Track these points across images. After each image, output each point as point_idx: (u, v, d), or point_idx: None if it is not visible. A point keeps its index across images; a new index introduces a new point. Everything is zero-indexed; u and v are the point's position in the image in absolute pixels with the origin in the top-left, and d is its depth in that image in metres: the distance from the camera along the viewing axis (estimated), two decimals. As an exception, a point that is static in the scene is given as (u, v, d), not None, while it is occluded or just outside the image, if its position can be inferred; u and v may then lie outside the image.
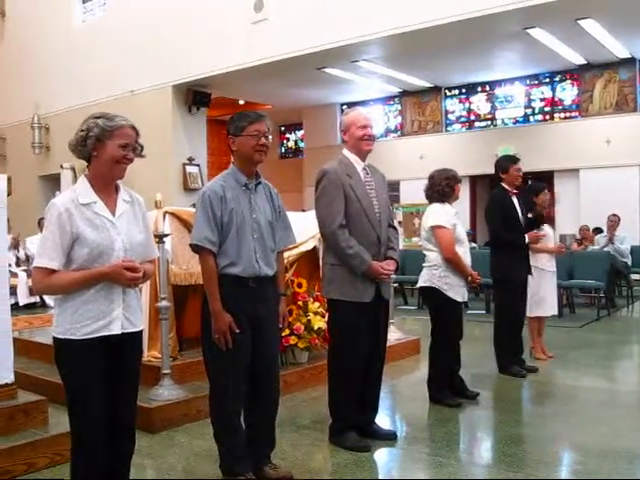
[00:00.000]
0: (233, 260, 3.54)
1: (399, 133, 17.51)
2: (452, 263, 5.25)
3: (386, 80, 15.05)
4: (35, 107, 15.15)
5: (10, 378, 4.19)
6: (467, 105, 16.59)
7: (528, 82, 15.64)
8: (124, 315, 2.93)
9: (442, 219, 5.29)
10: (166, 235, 4.99)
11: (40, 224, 11.54)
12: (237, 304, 3.52)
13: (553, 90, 15.34)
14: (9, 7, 16.27)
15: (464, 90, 16.56)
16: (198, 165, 13.18)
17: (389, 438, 4.47)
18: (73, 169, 9.44)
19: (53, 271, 2.80)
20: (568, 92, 15.16)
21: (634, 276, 12.28)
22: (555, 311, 7.16)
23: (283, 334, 5.38)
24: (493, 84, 16.06)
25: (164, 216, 5.46)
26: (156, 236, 4.51)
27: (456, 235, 5.33)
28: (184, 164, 12.91)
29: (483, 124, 16.42)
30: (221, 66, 11.84)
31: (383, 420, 4.86)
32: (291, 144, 20.81)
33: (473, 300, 10.81)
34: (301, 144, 20.06)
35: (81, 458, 2.92)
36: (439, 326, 5.37)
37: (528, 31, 10.79)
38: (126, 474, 3.11)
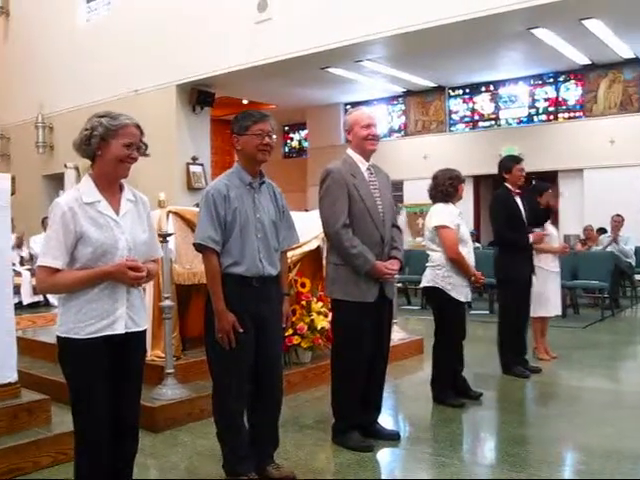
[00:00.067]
0: (237, 259, 3.54)
1: (403, 133, 17.49)
2: (456, 263, 5.24)
3: (390, 80, 15.04)
4: (39, 106, 15.16)
5: (14, 377, 4.20)
6: (471, 105, 16.57)
7: (532, 82, 15.60)
8: (128, 314, 2.93)
9: (446, 219, 5.29)
10: (170, 234, 4.99)
11: (44, 223, 11.57)
12: (240, 304, 3.52)
13: (557, 90, 15.31)
14: (13, 7, 16.29)
15: (468, 90, 16.53)
16: (202, 164, 13.17)
17: (392, 438, 4.46)
18: (77, 168, 9.44)
19: (57, 270, 2.80)
20: (572, 92, 15.12)
21: (638, 276, 12.26)
22: (559, 311, 7.16)
23: (286, 334, 5.38)
24: (497, 84, 16.03)
25: (168, 215, 5.46)
26: (160, 235, 4.51)
27: (460, 235, 5.32)
28: (188, 163, 12.91)
29: (487, 124, 16.40)
30: (225, 66, 11.84)
31: (386, 420, 4.86)
32: (295, 144, 20.81)
33: (477, 300, 10.79)
34: (305, 144, 20.05)
35: (85, 457, 2.92)
36: (442, 326, 5.37)
37: (532, 31, 10.77)
38: (129, 473, 3.11)
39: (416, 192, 14.22)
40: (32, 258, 11.70)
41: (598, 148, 14.06)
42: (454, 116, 16.76)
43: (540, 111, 15.61)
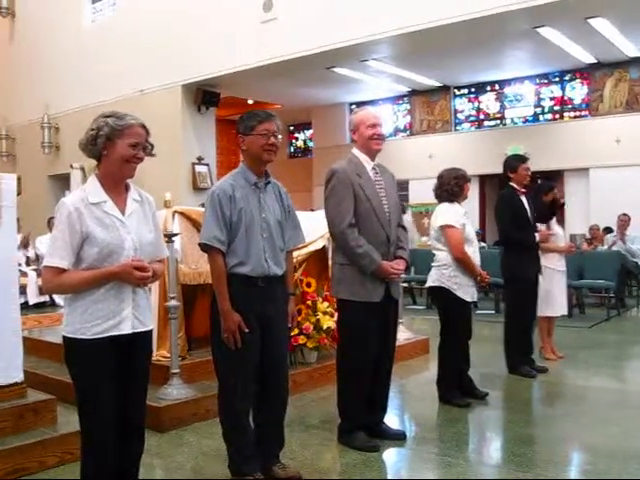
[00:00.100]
0: (242, 259, 3.54)
1: (408, 132, 17.47)
2: (461, 263, 5.24)
3: (395, 79, 15.02)
4: (45, 107, 15.18)
5: (20, 377, 4.21)
6: (476, 104, 16.53)
7: (538, 81, 15.57)
8: (134, 315, 2.93)
9: (451, 218, 5.28)
10: (175, 234, 5.00)
11: (50, 223, 11.57)
12: (246, 303, 3.52)
13: (563, 89, 15.27)
14: (19, 8, 16.31)
15: (473, 89, 16.50)
16: (207, 164, 13.18)
17: (398, 438, 4.46)
18: (83, 169, 9.46)
19: (63, 270, 2.81)
20: (578, 91, 15.08)
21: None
22: (565, 311, 7.14)
23: (292, 334, 5.38)
24: (502, 83, 15.99)
25: (173, 215, 5.46)
26: (165, 235, 4.52)
27: (465, 235, 5.31)
28: (193, 163, 12.92)
29: (492, 123, 16.36)
30: (230, 66, 11.84)
31: (392, 420, 4.86)
32: (300, 143, 20.80)
33: (482, 300, 10.78)
34: (310, 143, 20.04)
35: (91, 457, 2.93)
36: (448, 326, 5.36)
37: (538, 30, 10.75)
38: (135, 474, 3.12)
39: (421, 191, 14.22)
40: (38, 258, 11.71)
41: (604, 147, 14.02)
42: (459, 115, 16.73)
43: (546, 110, 15.57)
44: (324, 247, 6.32)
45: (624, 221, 12.06)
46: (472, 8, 9.07)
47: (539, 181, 8.40)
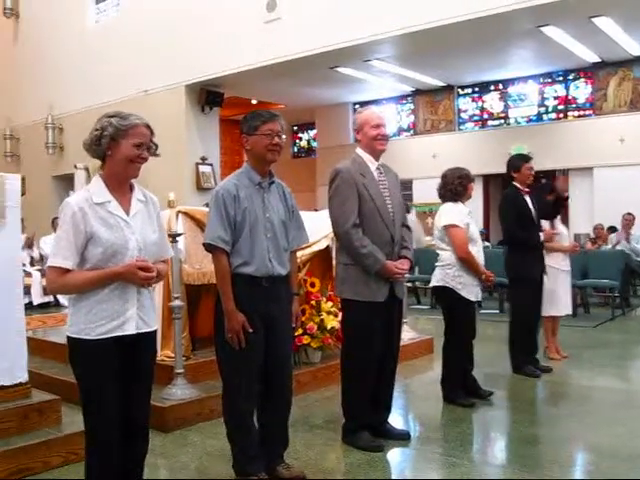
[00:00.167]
0: (246, 259, 3.54)
1: (412, 132, 17.45)
2: (465, 262, 5.23)
3: (399, 79, 15.01)
4: (49, 108, 15.20)
5: (24, 377, 4.21)
6: (480, 104, 16.51)
7: (541, 80, 15.54)
8: (138, 315, 2.93)
9: (455, 218, 5.28)
10: (179, 234, 5.00)
11: (54, 224, 11.61)
12: (250, 303, 3.52)
13: (567, 88, 15.24)
14: (23, 9, 16.33)
15: (477, 89, 16.48)
16: (211, 164, 13.18)
17: (402, 438, 4.46)
18: (87, 169, 9.44)
19: (67, 270, 2.81)
20: (582, 90, 15.06)
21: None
22: (569, 310, 7.12)
23: (296, 334, 5.38)
24: (506, 82, 15.97)
25: (177, 215, 5.47)
26: (169, 235, 4.52)
27: (469, 234, 5.31)
28: (197, 163, 12.92)
29: (496, 123, 16.34)
30: (234, 66, 11.84)
31: (396, 420, 4.85)
32: (304, 143, 20.80)
33: (486, 299, 10.76)
34: (314, 143, 20.04)
35: (95, 457, 2.93)
36: (452, 325, 5.36)
37: (541, 29, 10.73)
38: (140, 474, 3.12)
39: (425, 191, 14.19)
40: (42, 258, 11.74)
41: (608, 146, 13.99)
42: (463, 115, 16.71)
43: (550, 109, 15.55)
44: (328, 247, 6.32)
45: (629, 220, 12.04)
46: (476, 7, 9.06)
47: (543, 181, 8.39)
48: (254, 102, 16.23)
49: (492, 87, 16.26)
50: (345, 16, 10.34)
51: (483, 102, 16.47)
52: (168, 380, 4.90)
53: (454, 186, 5.37)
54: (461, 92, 16.69)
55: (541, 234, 6.28)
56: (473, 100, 16.62)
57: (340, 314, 4.89)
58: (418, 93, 16.91)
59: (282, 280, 3.66)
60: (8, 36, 16.64)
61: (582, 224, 14.00)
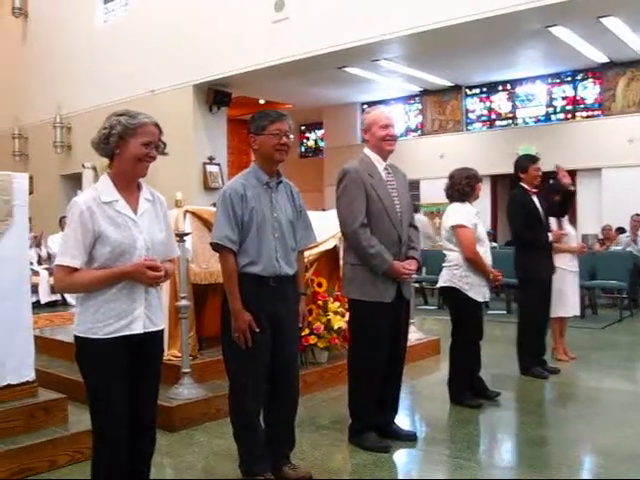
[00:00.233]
0: (253, 259, 3.53)
1: (420, 132, 17.41)
2: (473, 263, 5.21)
3: (406, 79, 14.98)
4: (57, 107, 15.24)
5: (31, 376, 4.22)
6: (488, 104, 16.46)
7: (550, 80, 15.48)
8: (146, 314, 2.93)
9: (463, 218, 5.26)
10: (186, 234, 5.00)
11: (61, 222, 11.64)
12: (257, 303, 3.52)
13: (575, 89, 15.18)
14: (32, 8, 16.39)
15: (485, 89, 16.43)
16: (218, 164, 13.18)
17: (409, 439, 4.45)
18: (94, 168, 9.46)
19: (75, 269, 2.81)
20: (590, 90, 14.99)
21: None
22: (577, 311, 7.10)
23: (303, 333, 5.37)
24: (514, 83, 15.91)
25: (184, 215, 5.47)
26: (176, 235, 4.52)
27: (477, 235, 5.29)
28: (204, 163, 12.93)
29: (504, 123, 16.29)
30: (242, 65, 11.84)
31: (403, 421, 4.84)
32: (311, 143, 20.78)
33: (494, 300, 10.71)
34: (321, 143, 20.03)
35: (103, 456, 2.93)
36: (459, 326, 5.34)
37: (550, 29, 10.69)
38: (146, 473, 3.11)
39: (433, 191, 14.17)
40: (50, 257, 11.78)
41: (617, 147, 13.92)
42: (471, 115, 16.67)
43: (558, 110, 15.48)
44: (335, 247, 6.31)
45: (637, 221, 11.99)
46: (484, 7, 9.04)
47: (551, 181, 8.36)
48: (262, 102, 16.24)
49: (500, 87, 16.21)
50: (353, 16, 10.33)
51: (491, 102, 16.42)
52: (175, 380, 4.90)
53: (462, 186, 5.36)
54: (469, 92, 16.64)
55: (549, 234, 6.26)
56: (481, 100, 16.57)
57: (347, 314, 4.89)
58: (426, 93, 16.88)
59: (289, 280, 3.66)
60: (17, 36, 16.70)
61: (590, 225, 13.95)
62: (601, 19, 10.32)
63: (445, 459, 4.21)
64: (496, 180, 15.88)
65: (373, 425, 4.34)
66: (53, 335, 6.98)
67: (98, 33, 14.89)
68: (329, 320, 5.85)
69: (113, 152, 2.91)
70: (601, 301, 11.32)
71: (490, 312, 9.82)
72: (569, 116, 15.32)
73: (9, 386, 4.08)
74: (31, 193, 4.31)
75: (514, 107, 16.09)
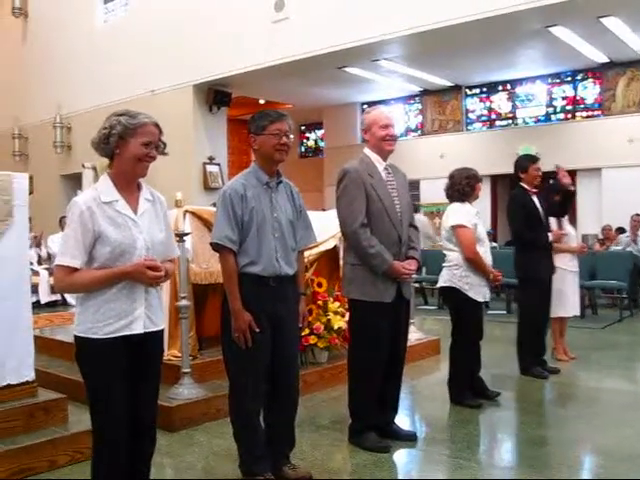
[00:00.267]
0: (253, 259, 3.53)
1: (419, 132, 17.41)
2: (473, 263, 5.21)
3: (406, 79, 14.98)
4: (57, 107, 15.23)
5: (31, 376, 4.22)
6: (488, 104, 16.46)
7: (550, 80, 15.48)
8: (146, 314, 2.93)
9: (463, 218, 5.26)
10: (186, 234, 5.00)
11: (61, 222, 11.64)
12: (257, 303, 3.52)
13: (575, 89, 15.18)
14: (32, 8, 16.39)
15: (485, 89, 16.43)
16: (218, 164, 13.18)
17: (409, 439, 4.44)
18: (94, 168, 9.47)
19: (75, 269, 2.81)
20: (590, 90, 14.99)
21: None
22: (577, 311, 7.10)
23: (303, 334, 5.37)
24: (514, 83, 15.91)
25: (184, 215, 5.47)
26: (176, 235, 4.52)
27: (477, 235, 5.29)
28: (204, 163, 12.92)
29: (504, 123, 16.28)
30: (242, 66, 11.84)
31: (403, 421, 4.84)
32: (311, 143, 20.78)
33: (494, 300, 10.70)
34: (321, 143, 20.03)
35: (103, 456, 2.93)
36: (459, 326, 5.34)
37: (550, 29, 10.69)
38: (146, 473, 3.11)
39: (433, 191, 14.17)
40: (50, 257, 11.78)
41: (617, 147, 13.92)
42: (471, 115, 16.67)
43: (558, 110, 15.48)
44: (335, 247, 6.31)
45: (637, 221, 11.99)
46: (483, 7, 9.04)
47: (551, 181, 8.36)
48: (262, 102, 16.23)
49: (500, 87, 16.21)
50: (353, 16, 10.33)
51: (491, 102, 16.41)
52: (175, 380, 4.90)
53: (461, 186, 5.36)
54: (469, 92, 16.64)
55: (550, 234, 6.26)
56: (481, 100, 16.57)
57: (347, 314, 4.88)
58: (426, 93, 16.88)
59: (289, 280, 3.66)
60: (17, 36, 16.69)
61: (590, 225, 13.95)
62: (601, 19, 10.32)
63: (445, 459, 4.21)
64: (496, 180, 15.88)
65: (373, 425, 4.34)
66: (53, 335, 6.98)
67: (98, 33, 14.89)
68: (329, 320, 5.85)
69: (113, 152, 2.91)
70: (601, 301, 11.32)
71: (490, 312, 9.82)
72: (569, 116, 15.33)
73: (9, 386, 4.08)
74: (31, 193, 4.31)
75: (514, 107, 16.09)
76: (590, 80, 14.94)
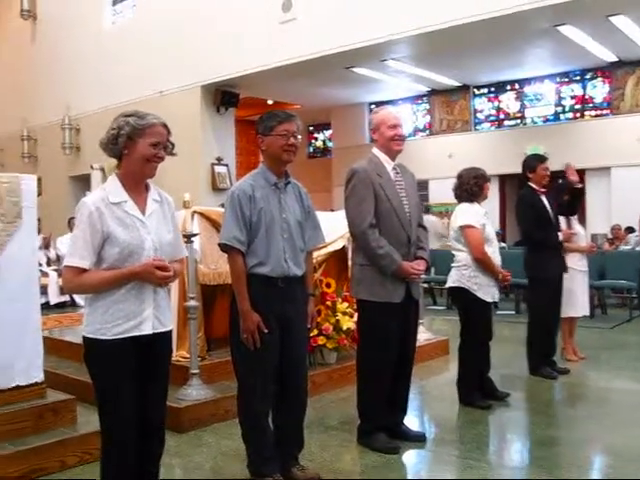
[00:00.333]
0: (262, 260, 3.53)
1: (428, 132, 17.40)
2: (481, 263, 5.19)
3: (414, 79, 14.97)
4: (66, 108, 15.28)
5: (40, 377, 4.23)
6: (496, 104, 16.43)
7: (558, 80, 15.44)
8: (154, 315, 2.93)
9: (471, 219, 5.24)
10: (195, 235, 5.00)
11: (70, 224, 11.66)
12: (266, 304, 3.51)
13: (584, 88, 15.14)
14: (40, 10, 16.44)
15: (493, 88, 16.40)
16: (227, 165, 13.19)
17: (418, 440, 4.43)
18: (103, 169, 9.50)
19: (84, 270, 2.81)
20: (599, 90, 14.95)
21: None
22: (587, 311, 7.07)
23: (311, 334, 5.36)
24: (522, 82, 15.88)
25: (192, 216, 5.47)
26: (185, 236, 4.53)
27: (485, 235, 5.27)
28: (213, 164, 12.94)
29: (512, 123, 16.26)
30: (249, 66, 11.84)
31: (412, 421, 4.83)
32: (319, 144, 20.79)
33: (503, 300, 10.65)
34: (329, 144, 20.03)
35: (111, 457, 2.93)
36: (468, 327, 5.33)
37: (558, 28, 10.66)
38: (155, 474, 3.11)
39: (441, 191, 14.14)
40: (59, 258, 11.80)
41: (626, 146, 13.87)
42: (479, 115, 16.64)
43: (567, 109, 15.44)
44: (344, 247, 6.30)
45: (646, 221, 11.94)
46: (491, 7, 9.01)
47: (560, 181, 8.33)
48: (270, 102, 16.24)
49: (508, 87, 16.18)
50: (360, 16, 10.32)
51: (499, 102, 16.39)
52: (183, 381, 4.90)
53: (469, 186, 5.34)
54: (477, 92, 16.62)
55: (560, 234, 6.23)
56: (489, 100, 16.54)
57: (356, 315, 4.87)
58: (434, 93, 16.86)
59: (298, 281, 3.65)
60: (25, 38, 16.76)
61: (599, 224, 13.90)
62: (610, 18, 10.27)
63: (454, 460, 4.19)
64: (504, 180, 15.84)
65: (382, 426, 4.32)
66: (62, 336, 6.99)
67: (106, 34, 14.93)
68: (338, 321, 5.84)
69: (121, 153, 2.91)
70: (610, 301, 11.27)
71: (499, 312, 9.78)
72: (578, 115, 15.29)
73: (18, 387, 4.09)
74: (39, 195, 4.32)
75: (522, 107, 16.06)
76: (599, 79, 14.90)
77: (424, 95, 17.17)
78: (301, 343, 3.76)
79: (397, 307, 4.19)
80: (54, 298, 11.25)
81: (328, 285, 6.02)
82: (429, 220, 11.25)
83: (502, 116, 16.37)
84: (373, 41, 10.34)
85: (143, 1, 14.10)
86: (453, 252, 5.41)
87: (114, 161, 3.00)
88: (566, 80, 15.37)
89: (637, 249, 11.37)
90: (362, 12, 10.30)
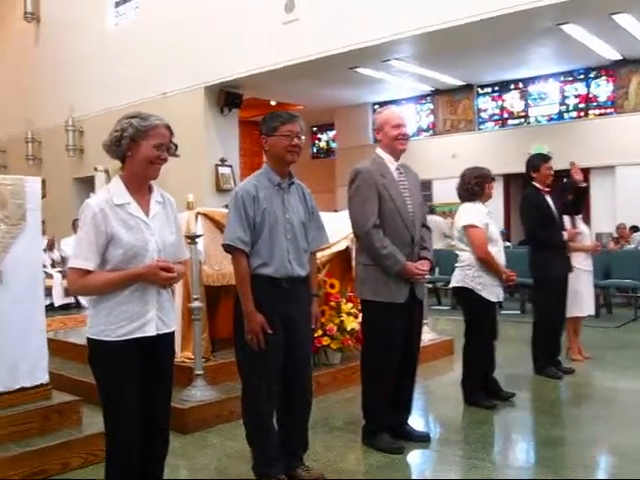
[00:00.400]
0: (266, 260, 3.53)
1: (431, 132, 17.38)
2: (485, 263, 5.19)
3: (418, 79, 14.96)
4: (69, 110, 15.31)
5: (45, 378, 4.23)
6: (500, 103, 16.41)
7: (562, 79, 15.41)
8: (158, 316, 2.94)
9: (474, 218, 5.24)
10: (198, 236, 5.00)
11: (74, 225, 11.67)
12: (270, 304, 3.51)
13: (588, 86, 15.11)
14: (43, 13, 16.49)
15: (497, 88, 16.37)
16: (230, 166, 13.21)
17: (422, 440, 4.43)
18: (106, 171, 9.51)
19: (88, 272, 2.81)
20: (603, 88, 14.92)
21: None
22: (592, 311, 7.06)
23: (316, 335, 5.36)
24: (526, 81, 15.85)
25: (196, 217, 5.47)
26: (188, 237, 4.53)
27: (489, 234, 5.26)
28: (216, 165, 12.95)
29: (516, 122, 16.23)
30: (252, 67, 11.85)
31: (416, 421, 4.82)
32: (323, 144, 20.78)
33: (508, 300, 10.66)
34: (333, 144, 20.02)
35: (116, 459, 2.93)
36: (473, 326, 5.32)
37: (562, 27, 10.63)
38: (160, 475, 3.11)
39: (445, 191, 14.13)
40: (63, 260, 11.81)
41: (630, 144, 13.83)
42: (483, 114, 16.62)
43: (570, 108, 15.41)
44: (348, 248, 6.30)
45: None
46: (494, 6, 9.00)
47: (564, 180, 8.31)
48: (273, 103, 16.24)
49: (512, 86, 16.15)
50: (363, 16, 10.32)
51: (503, 101, 16.36)
52: (188, 382, 4.90)
53: (470, 186, 5.34)
54: (481, 91, 16.59)
55: (564, 233, 6.22)
56: (493, 99, 16.51)
57: (360, 315, 4.87)
58: (437, 93, 16.84)
59: (302, 281, 3.65)
60: (29, 40, 16.80)
61: (604, 223, 13.86)
62: (613, 16, 10.25)
63: (459, 460, 4.18)
64: (509, 179, 15.81)
65: (386, 426, 4.32)
66: (66, 338, 7.00)
67: (109, 36, 14.97)
68: (342, 321, 5.83)
69: (125, 154, 2.92)
70: (616, 300, 11.25)
71: (504, 312, 9.75)
72: (582, 114, 15.26)
73: (23, 389, 4.10)
74: (44, 197, 4.33)
75: (526, 106, 16.03)
76: (603, 78, 14.87)
77: (427, 95, 17.16)
78: (305, 344, 3.76)
79: (401, 307, 4.18)
80: (59, 300, 11.26)
81: (332, 286, 6.02)
82: (433, 220, 11.22)
83: (506, 115, 16.34)
84: (376, 41, 10.35)
85: (146, 3, 14.13)
86: (457, 252, 5.41)
87: (118, 163, 3.00)
88: (570, 79, 15.34)
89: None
90: (365, 12, 10.30)
